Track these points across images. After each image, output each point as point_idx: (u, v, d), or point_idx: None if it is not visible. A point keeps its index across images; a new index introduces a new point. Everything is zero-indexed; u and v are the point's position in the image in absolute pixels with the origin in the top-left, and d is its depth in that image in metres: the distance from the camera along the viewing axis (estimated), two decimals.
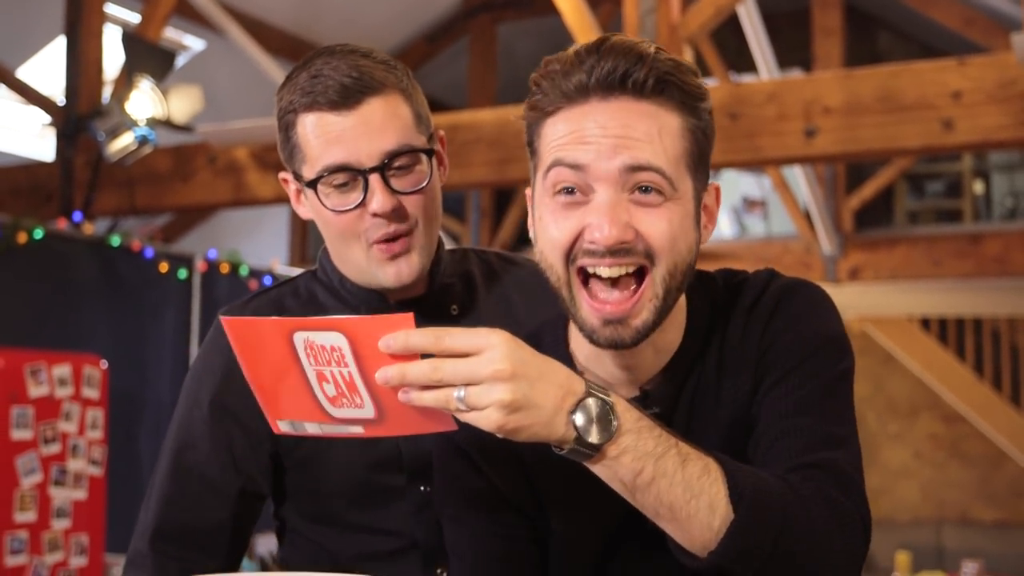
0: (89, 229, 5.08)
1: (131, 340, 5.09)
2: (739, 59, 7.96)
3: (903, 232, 8.13)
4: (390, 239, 1.45)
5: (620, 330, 1.20)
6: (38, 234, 4.68)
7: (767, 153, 4.46)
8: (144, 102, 5.07)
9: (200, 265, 5.45)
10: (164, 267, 5.25)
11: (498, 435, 1.07)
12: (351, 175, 1.43)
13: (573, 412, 1.07)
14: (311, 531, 1.57)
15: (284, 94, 1.47)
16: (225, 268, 5.60)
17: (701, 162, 1.22)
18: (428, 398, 1.05)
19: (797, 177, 7.08)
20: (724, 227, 8.51)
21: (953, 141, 4.19)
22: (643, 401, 1.26)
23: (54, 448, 4.07)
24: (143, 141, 5.06)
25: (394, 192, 1.43)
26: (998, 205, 8.82)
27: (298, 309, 1.57)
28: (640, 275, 1.19)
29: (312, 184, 1.45)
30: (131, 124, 5.02)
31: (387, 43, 8.95)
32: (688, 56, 4.74)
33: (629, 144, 1.16)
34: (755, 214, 8.54)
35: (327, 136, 1.42)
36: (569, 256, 1.19)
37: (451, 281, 1.58)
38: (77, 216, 5.24)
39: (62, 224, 5.03)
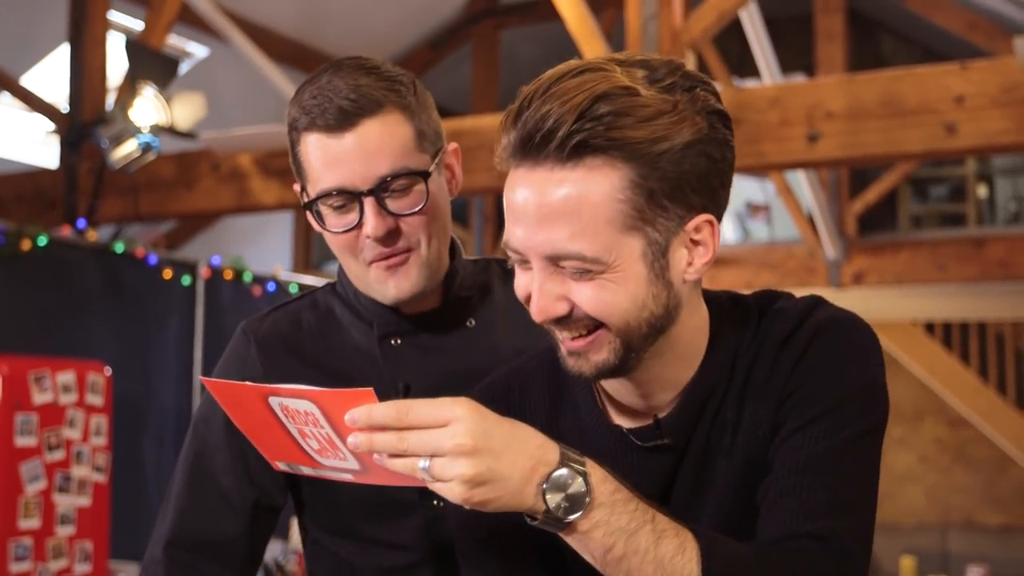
0: (93, 236, 5.08)
1: (135, 347, 5.10)
2: (742, 64, 7.97)
3: (907, 236, 8.12)
4: (387, 257, 1.46)
5: (581, 363, 1.17)
6: (42, 241, 4.68)
7: (770, 158, 4.46)
8: (148, 109, 5.08)
9: (204, 272, 5.45)
10: (168, 274, 5.26)
11: (465, 507, 1.05)
12: (348, 197, 1.43)
13: (544, 483, 1.04)
14: (331, 542, 1.57)
15: (291, 110, 1.48)
16: (229, 275, 5.61)
17: (662, 204, 1.10)
18: (397, 464, 1.04)
19: (800, 182, 7.07)
20: (728, 232, 8.51)
21: (956, 146, 4.19)
22: (654, 430, 1.22)
23: (58, 455, 4.07)
24: (147, 148, 5.07)
25: (390, 214, 1.44)
26: (1002, 209, 8.81)
27: (315, 323, 1.58)
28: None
29: (311, 204, 1.47)
30: (135, 131, 5.03)
31: (391, 49, 8.97)
32: (691, 61, 4.74)
33: (547, 227, 1.10)
34: (758, 219, 8.53)
35: (324, 159, 1.43)
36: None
37: (468, 294, 1.58)
38: (81, 223, 5.25)
39: (66, 231, 5.03)
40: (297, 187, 1.55)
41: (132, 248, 5.12)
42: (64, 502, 4.08)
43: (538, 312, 1.13)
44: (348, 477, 1.13)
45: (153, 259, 5.21)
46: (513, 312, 1.58)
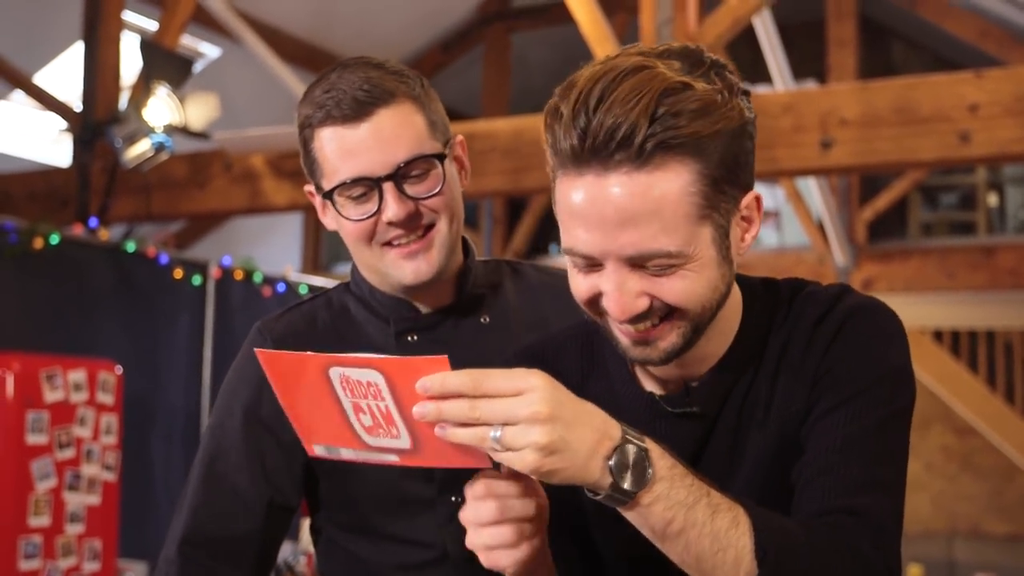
0: (105, 235, 5.09)
1: (146, 346, 5.10)
2: (754, 70, 7.96)
3: (916, 244, 8.12)
4: (407, 238, 1.48)
5: (648, 351, 1.19)
6: (54, 239, 4.69)
7: (783, 164, 4.46)
8: (161, 109, 5.09)
9: (214, 271, 5.46)
10: (179, 273, 5.26)
11: (532, 476, 1.06)
12: (367, 185, 1.46)
13: (609, 458, 1.06)
14: (346, 540, 1.58)
15: (301, 109, 1.50)
16: (239, 275, 5.62)
17: (723, 189, 1.15)
18: (464, 435, 1.04)
19: (811, 188, 7.07)
20: None
21: (970, 154, 4.18)
22: (684, 397, 1.26)
23: (68, 453, 4.08)
24: (160, 148, 5.08)
25: (409, 198, 1.47)
26: (1012, 218, 8.80)
27: (331, 321, 1.59)
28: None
29: (330, 195, 1.48)
30: (148, 131, 5.04)
31: (402, 51, 8.97)
32: None
33: (628, 230, 1.11)
34: (768, 225, 8.53)
35: (342, 149, 1.46)
36: (592, 306, 1.20)
37: (481, 292, 1.59)
38: (93, 222, 5.26)
39: (78, 230, 5.04)
40: (308, 187, 1.56)
41: (143, 247, 5.13)
42: (74, 500, 4.09)
43: (620, 311, 1.15)
44: (393, 459, 1.11)
45: (164, 258, 5.21)
46: (525, 311, 1.62)
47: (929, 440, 9.87)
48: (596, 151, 1.10)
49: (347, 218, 1.48)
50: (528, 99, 9.37)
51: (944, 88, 4.21)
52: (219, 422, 1.57)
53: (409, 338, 1.55)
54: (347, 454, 1.14)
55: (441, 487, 1.51)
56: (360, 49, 8.57)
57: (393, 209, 1.45)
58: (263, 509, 1.53)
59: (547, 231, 9.41)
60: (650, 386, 1.29)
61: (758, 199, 1.22)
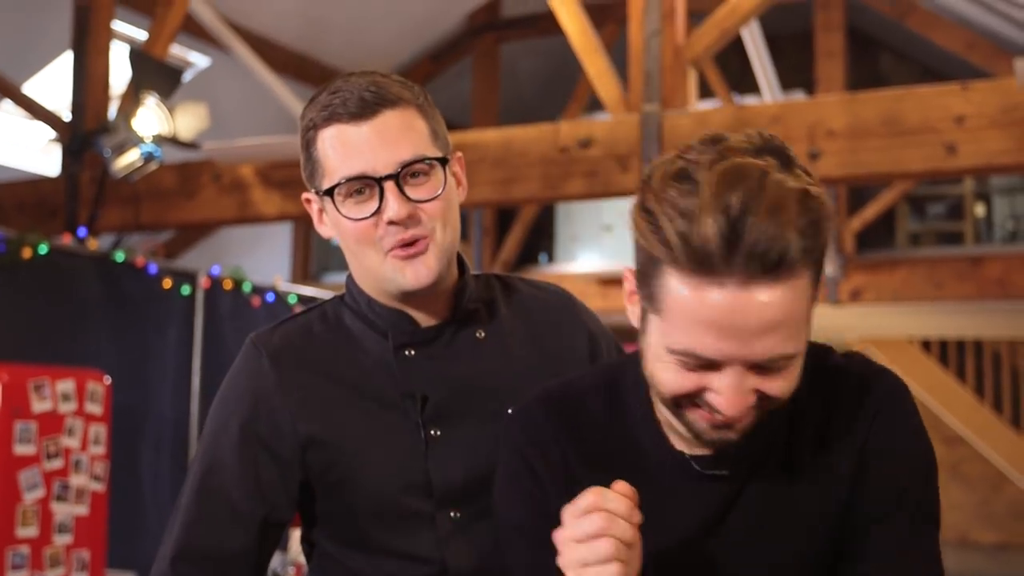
0: (93, 245, 5.09)
1: (134, 356, 5.09)
2: (742, 80, 8.00)
3: (904, 254, 8.15)
4: (406, 244, 1.47)
5: (728, 433, 1.19)
6: (43, 249, 4.68)
7: None
8: (150, 119, 5.09)
9: (203, 281, 5.46)
10: (168, 283, 5.26)
11: None
12: (367, 184, 1.46)
13: None
14: (342, 555, 1.56)
15: (305, 114, 1.50)
16: (228, 284, 5.61)
17: (818, 284, 1.16)
18: None
19: None
20: None
21: (956, 165, 4.20)
22: (716, 459, 1.26)
23: (57, 463, 4.07)
24: (149, 158, 5.08)
25: (409, 200, 1.46)
26: (999, 228, 8.84)
27: (326, 334, 1.58)
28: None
29: (330, 192, 1.48)
30: (137, 140, 5.04)
31: (392, 61, 8.99)
32: (692, 78, 4.77)
33: (763, 338, 1.11)
34: None
35: (345, 147, 1.46)
36: (686, 399, 1.18)
37: (476, 307, 1.59)
38: (82, 232, 5.25)
39: (67, 239, 5.03)
40: (307, 195, 1.56)
41: (132, 257, 5.13)
42: (62, 511, 4.07)
43: (734, 410, 1.15)
44: None
45: (153, 268, 5.21)
46: (518, 326, 1.62)
47: None
48: (743, 262, 1.08)
49: (347, 217, 1.47)
50: (518, 109, 9.39)
51: (931, 100, 4.23)
52: (214, 437, 1.54)
53: (407, 352, 1.54)
54: None
55: (439, 502, 1.50)
56: (350, 59, 8.58)
57: (394, 208, 1.44)
58: (257, 525, 1.51)
59: (536, 241, 9.42)
60: (680, 445, 1.28)
61: (823, 278, 1.24)
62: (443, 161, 1.49)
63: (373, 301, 1.56)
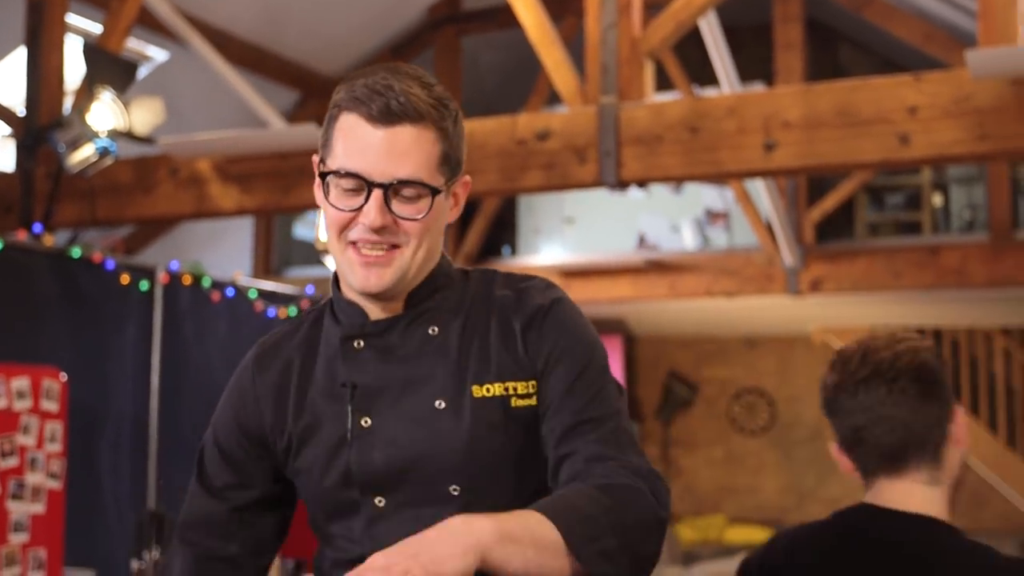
0: (49, 241, 5.04)
1: (92, 353, 5.06)
2: (702, 72, 8.03)
3: (864, 244, 8.22)
4: (374, 246, 1.54)
5: None
6: None
7: (727, 167, 4.50)
8: (105, 113, 5.05)
9: (162, 277, 5.42)
10: (125, 279, 5.22)
11: None
12: (360, 184, 1.52)
13: None
14: (317, 540, 1.71)
15: (341, 90, 1.56)
16: (187, 280, 5.58)
17: None
18: None
19: (759, 190, 7.14)
20: (687, 239, 8.57)
21: (910, 155, 4.24)
22: None
23: (12, 462, 4.04)
24: (104, 152, 5.04)
25: (390, 213, 1.52)
26: (956, 217, 8.93)
27: (306, 331, 1.70)
28: None
29: (324, 175, 1.56)
30: (92, 135, 4.99)
31: (352, 54, 8.95)
32: (649, 70, 4.78)
33: None
34: (718, 226, 8.60)
35: (355, 143, 1.52)
36: None
37: (431, 306, 1.62)
38: (37, 227, 5.20)
39: (22, 235, 4.99)
40: (315, 158, 1.63)
41: (89, 253, 5.09)
42: (18, 509, 4.04)
43: None
44: None
45: (110, 264, 5.17)
46: (481, 326, 1.63)
47: None
48: None
49: (331, 203, 1.55)
50: (479, 102, 9.38)
51: (884, 91, 4.27)
52: (212, 422, 1.74)
53: (355, 343, 1.60)
54: None
55: (362, 490, 1.58)
56: (309, 52, 8.54)
57: (371, 216, 1.51)
58: (235, 497, 1.70)
59: (499, 234, 9.42)
60: None
61: None
62: (435, 191, 1.54)
63: (338, 295, 1.64)
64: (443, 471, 1.54)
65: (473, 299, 1.65)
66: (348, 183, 1.53)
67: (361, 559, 1.54)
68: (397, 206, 1.52)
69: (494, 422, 1.55)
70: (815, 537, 1.84)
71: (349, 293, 1.62)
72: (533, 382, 1.57)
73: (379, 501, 1.57)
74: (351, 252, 1.55)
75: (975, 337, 9.52)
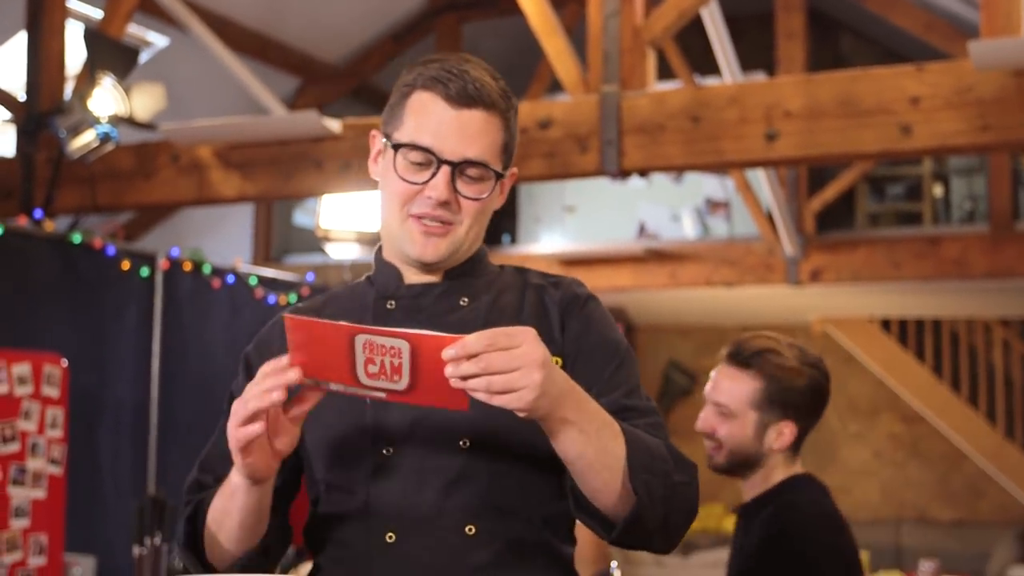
0: (50, 226, 5.04)
1: (92, 339, 5.06)
2: (704, 61, 8.01)
3: (864, 234, 8.21)
4: (433, 220, 1.62)
5: None
6: None
7: (728, 156, 4.50)
8: (106, 99, 5.04)
9: (162, 263, 5.43)
10: (126, 265, 5.22)
11: (519, 413, 1.36)
12: (430, 159, 1.60)
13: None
14: (309, 491, 1.73)
15: (413, 71, 1.64)
16: (188, 266, 5.58)
17: None
18: (475, 384, 1.32)
19: (760, 179, 7.13)
20: (687, 228, 8.57)
21: (911, 146, 4.24)
22: None
23: (13, 447, 4.05)
24: (105, 138, 5.03)
25: (454, 190, 1.61)
26: (957, 208, 8.92)
27: (342, 297, 1.77)
28: None
29: (396, 147, 1.62)
30: (93, 121, 4.99)
31: (353, 41, 8.94)
32: (651, 59, 4.78)
33: None
34: (718, 215, 8.60)
35: (430, 119, 1.60)
36: None
37: (466, 281, 1.69)
38: (38, 213, 5.20)
39: (22, 221, 4.99)
40: (373, 133, 1.70)
41: (90, 239, 5.09)
42: (19, 495, 4.05)
43: None
44: (381, 396, 1.39)
45: (111, 250, 5.17)
46: (510, 305, 1.70)
47: (877, 428, 10.01)
48: None
49: (400, 176, 1.62)
50: None
51: (886, 81, 4.26)
52: (236, 378, 1.77)
53: (388, 304, 1.68)
54: (336, 387, 1.40)
55: (375, 439, 1.61)
56: (311, 40, 8.52)
57: (438, 190, 1.59)
58: None
59: (499, 222, 9.42)
60: None
61: None
62: (499, 176, 1.64)
63: (380, 258, 1.73)
64: (456, 425, 1.57)
65: (506, 284, 1.72)
66: (417, 157, 1.60)
67: (357, 512, 1.60)
68: (461, 185, 1.61)
69: None
70: None
71: (390, 255, 1.70)
72: (558, 359, 1.61)
73: (386, 451, 1.59)
74: (411, 222, 1.62)
75: (974, 328, 9.52)
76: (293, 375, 1.40)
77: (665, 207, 8.66)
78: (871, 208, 8.98)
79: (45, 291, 4.87)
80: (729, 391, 2.37)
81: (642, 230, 8.68)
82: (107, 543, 4.88)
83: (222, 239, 8.74)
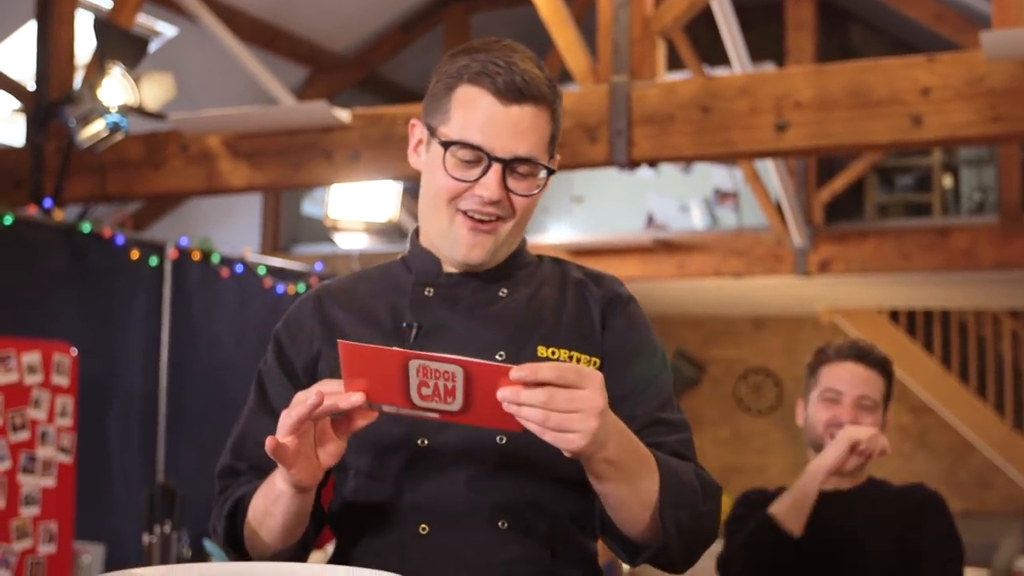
0: (59, 216, 5.05)
1: (101, 327, 5.07)
2: (713, 52, 7.99)
3: (873, 225, 8.20)
4: (481, 219, 1.59)
5: None
6: (8, 220, 4.65)
7: (739, 147, 4.49)
8: (116, 89, 5.04)
9: (171, 253, 5.43)
10: (135, 254, 5.23)
11: (566, 454, 1.34)
12: (480, 156, 1.56)
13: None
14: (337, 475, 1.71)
15: (459, 59, 1.59)
16: (197, 256, 5.59)
17: None
18: (529, 414, 1.30)
19: (769, 170, 7.12)
20: (696, 218, 8.56)
21: (922, 137, 4.23)
22: None
23: (23, 435, 4.06)
24: (114, 128, 5.03)
25: (505, 187, 1.57)
26: (966, 199, 8.90)
27: (375, 279, 1.73)
28: None
29: (445, 145, 1.57)
30: (102, 111, 4.99)
31: (362, 31, 8.93)
32: (660, 49, 4.76)
33: None
34: (727, 206, 8.58)
35: (478, 115, 1.56)
36: None
37: (505, 272, 1.67)
38: (47, 202, 5.21)
39: (32, 210, 5.00)
40: (414, 122, 1.66)
41: (99, 228, 5.09)
42: (29, 483, 4.06)
43: None
44: (435, 416, 1.37)
45: (120, 239, 5.18)
46: (549, 297, 1.68)
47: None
48: None
49: (448, 172, 1.57)
50: None
51: (897, 72, 4.25)
52: (264, 358, 1.72)
53: (426, 291, 1.65)
54: (389, 408, 1.40)
55: (412, 428, 1.58)
56: (319, 30, 8.52)
57: (489, 189, 1.56)
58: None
59: None
60: None
61: None
62: (550, 171, 1.61)
63: (416, 244, 1.70)
64: None
65: (545, 276, 1.71)
66: (467, 155, 1.56)
67: (389, 501, 1.58)
68: (512, 182, 1.58)
69: None
70: None
71: (433, 238, 1.66)
72: (596, 360, 1.63)
73: (421, 442, 1.57)
74: (460, 219, 1.59)
75: (983, 319, 9.51)
76: (356, 399, 1.37)
77: (674, 198, 8.65)
78: (880, 199, 8.96)
79: (54, 280, 4.88)
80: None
81: (650, 220, 8.67)
82: (116, 531, 4.89)
83: (231, 229, 8.75)
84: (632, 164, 4.65)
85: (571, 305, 1.66)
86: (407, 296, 1.66)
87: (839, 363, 2.63)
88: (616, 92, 4.61)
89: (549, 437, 1.31)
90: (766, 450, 10.51)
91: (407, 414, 1.39)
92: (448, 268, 1.66)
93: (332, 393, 1.39)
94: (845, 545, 2.54)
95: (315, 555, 2.76)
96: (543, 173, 1.60)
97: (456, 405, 1.35)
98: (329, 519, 1.68)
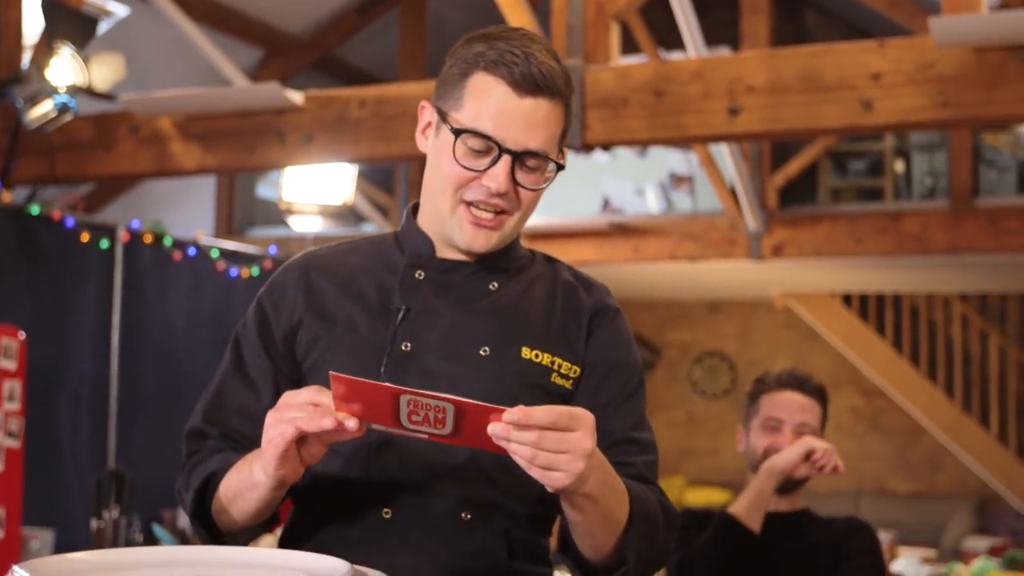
0: (8, 198, 4.98)
1: (51, 311, 5.02)
2: (668, 36, 8.01)
3: (826, 209, 8.26)
4: (486, 211, 1.58)
5: None
6: None
7: (692, 131, 4.50)
8: (64, 69, 4.98)
9: (123, 235, 5.38)
10: (85, 237, 5.17)
11: (550, 489, 1.36)
12: (490, 147, 1.54)
13: None
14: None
15: (475, 44, 1.57)
16: (148, 239, 5.54)
17: None
18: (519, 451, 1.31)
19: (723, 154, 7.15)
20: (651, 202, 8.59)
21: (872, 122, 4.27)
22: None
23: None
24: (63, 109, 4.97)
25: (513, 180, 1.56)
26: (918, 184, 8.99)
27: (364, 252, 1.71)
28: None
29: (456, 132, 1.55)
30: (51, 91, 4.92)
31: (317, 13, 8.86)
32: (614, 33, 4.77)
33: None
34: (682, 190, 8.62)
35: (492, 105, 1.53)
36: None
37: (498, 264, 1.66)
38: None
39: None
40: (423, 104, 1.64)
41: (48, 210, 5.03)
42: None
43: None
44: (424, 436, 1.36)
45: (70, 222, 5.12)
46: (538, 295, 1.68)
47: (838, 402, 10.10)
48: None
49: (457, 160, 1.55)
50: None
51: (848, 56, 4.28)
52: (247, 315, 1.70)
53: (416, 274, 1.64)
54: (377, 427, 1.39)
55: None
56: (274, 11, 8.44)
57: (497, 180, 1.54)
58: (270, 386, 1.64)
59: None
60: None
61: None
62: (559, 167, 1.60)
63: (412, 224, 1.68)
64: None
65: (537, 274, 1.70)
66: (477, 144, 1.54)
67: (356, 480, 1.58)
68: (520, 175, 1.56)
69: (531, 385, 1.59)
70: None
71: (431, 223, 1.64)
72: (577, 368, 1.63)
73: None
74: (463, 209, 1.58)
75: (934, 303, 9.62)
76: (352, 425, 1.36)
77: (629, 181, 8.67)
78: (833, 183, 9.03)
79: (3, 263, 4.82)
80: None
81: (606, 204, 8.69)
82: (65, 516, 4.85)
83: (185, 211, 8.68)
84: (586, 147, 4.66)
85: (559, 309, 1.66)
86: (396, 275, 1.64)
87: (778, 392, 2.72)
88: (570, 75, 4.60)
89: (535, 473, 1.32)
90: (720, 433, 10.59)
91: (396, 433, 1.39)
92: (442, 253, 1.65)
93: (324, 411, 1.38)
94: (769, 568, 2.61)
95: (266, 539, 2.75)
96: (551, 167, 1.60)
97: (446, 431, 1.37)
98: (293, 493, 1.65)
